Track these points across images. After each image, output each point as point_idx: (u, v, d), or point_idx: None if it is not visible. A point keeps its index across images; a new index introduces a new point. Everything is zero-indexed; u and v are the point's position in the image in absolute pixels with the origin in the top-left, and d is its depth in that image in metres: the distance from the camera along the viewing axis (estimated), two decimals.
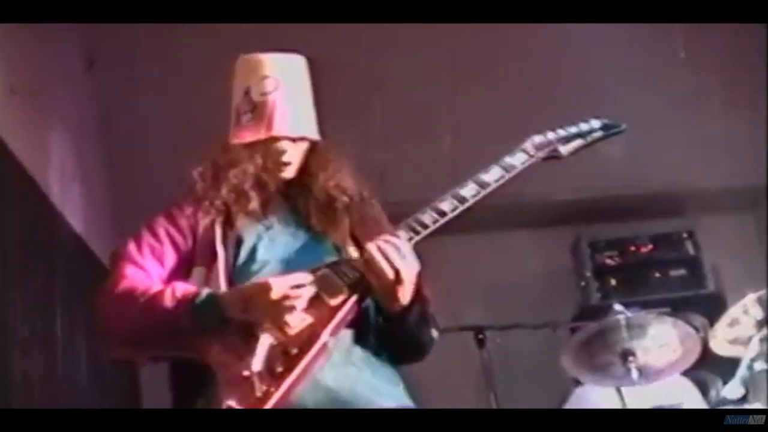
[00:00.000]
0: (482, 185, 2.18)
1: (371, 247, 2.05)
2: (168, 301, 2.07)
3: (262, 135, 2.25)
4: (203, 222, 2.21)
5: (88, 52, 4.67)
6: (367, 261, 2.05)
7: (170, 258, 2.20)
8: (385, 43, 4.79)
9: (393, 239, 2.06)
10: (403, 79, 4.99)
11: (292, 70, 2.33)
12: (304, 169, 2.30)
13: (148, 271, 2.18)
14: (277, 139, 2.25)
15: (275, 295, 2.00)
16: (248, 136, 2.26)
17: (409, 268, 2.05)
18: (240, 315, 2.03)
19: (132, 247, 2.21)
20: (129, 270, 2.17)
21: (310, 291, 2.03)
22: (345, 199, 2.27)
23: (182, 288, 2.10)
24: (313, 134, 2.31)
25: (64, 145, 4.22)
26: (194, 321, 2.05)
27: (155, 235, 2.22)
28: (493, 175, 2.20)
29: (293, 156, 2.28)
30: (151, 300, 2.09)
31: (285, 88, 2.28)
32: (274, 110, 2.25)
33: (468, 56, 4.94)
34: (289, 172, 2.28)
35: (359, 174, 2.34)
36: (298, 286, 2.02)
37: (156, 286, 2.12)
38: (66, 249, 4.05)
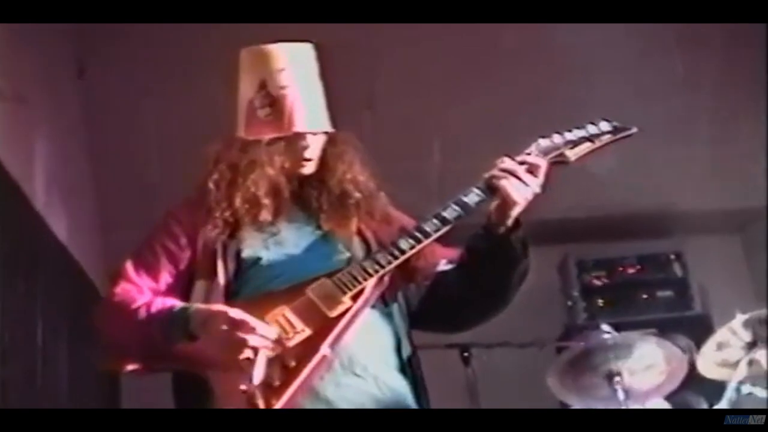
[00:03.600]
0: (484, 191, 2.14)
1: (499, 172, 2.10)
2: (142, 316, 2.06)
3: (284, 131, 2.20)
4: (203, 233, 2.17)
5: (78, 60, 4.64)
6: (501, 187, 2.08)
7: (166, 273, 2.17)
8: (375, 60, 4.78)
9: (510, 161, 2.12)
10: (393, 96, 4.98)
11: (304, 60, 2.27)
12: (321, 163, 2.27)
13: (141, 287, 2.15)
14: (300, 135, 2.21)
15: (226, 324, 1.95)
16: (268, 132, 2.20)
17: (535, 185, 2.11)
18: (202, 333, 2.00)
19: (129, 265, 2.18)
20: (121, 287, 2.15)
21: (266, 350, 1.95)
22: (358, 195, 2.25)
23: (159, 303, 2.09)
24: (329, 127, 2.27)
25: (51, 153, 4.19)
26: (165, 335, 2.03)
27: (152, 252, 2.18)
28: None
29: (314, 151, 2.25)
30: (131, 315, 2.08)
31: (301, 81, 2.23)
32: (294, 105, 2.20)
33: (458, 73, 4.93)
34: (309, 168, 2.25)
35: (368, 164, 2.31)
36: (254, 329, 1.94)
37: (138, 302, 2.10)
38: (49, 258, 4.01)
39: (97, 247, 4.77)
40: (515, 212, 2.12)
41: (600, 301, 5.57)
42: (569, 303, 5.58)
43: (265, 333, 1.96)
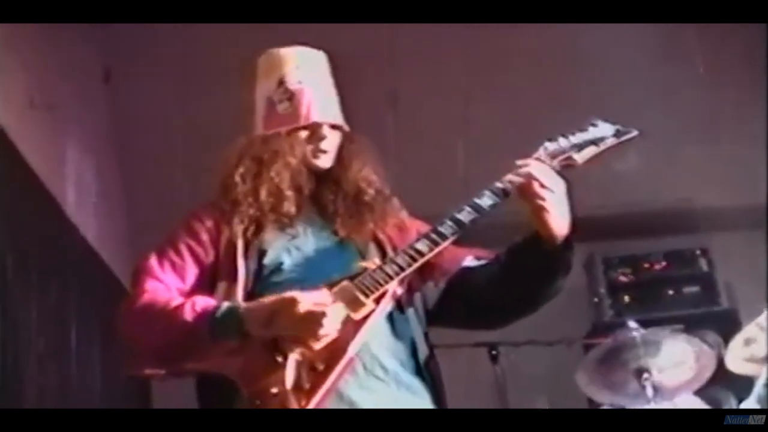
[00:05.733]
0: (498, 194, 2.12)
1: (519, 175, 2.09)
2: (188, 315, 2.05)
3: (302, 121, 2.27)
4: (225, 234, 2.19)
5: (105, 64, 4.69)
6: (522, 187, 2.07)
7: (192, 274, 2.18)
8: (398, 58, 4.80)
9: (535, 164, 2.10)
10: (416, 95, 5.00)
11: (319, 63, 2.37)
12: (338, 160, 2.30)
13: (169, 285, 2.15)
14: (318, 125, 2.28)
15: (302, 308, 1.97)
16: (288, 124, 2.27)
17: (561, 186, 2.09)
18: (262, 329, 2.00)
19: (153, 261, 2.18)
20: (149, 284, 2.15)
21: (335, 308, 2.00)
22: (372, 192, 2.27)
23: (202, 301, 2.08)
24: (343, 122, 2.33)
25: (80, 159, 4.24)
26: (213, 335, 2.02)
27: (177, 251, 2.19)
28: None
29: (331, 144, 2.29)
30: (171, 314, 2.07)
31: (314, 78, 2.32)
32: (312, 97, 2.28)
33: (481, 71, 4.95)
34: (326, 161, 2.29)
35: (382, 168, 2.34)
36: (322, 303, 1.99)
37: (176, 300, 2.10)
38: (81, 262, 4.06)
39: (126, 251, 4.82)
40: (556, 224, 2.08)
41: (626, 298, 5.56)
42: (595, 300, 5.57)
43: (335, 307, 1.99)
